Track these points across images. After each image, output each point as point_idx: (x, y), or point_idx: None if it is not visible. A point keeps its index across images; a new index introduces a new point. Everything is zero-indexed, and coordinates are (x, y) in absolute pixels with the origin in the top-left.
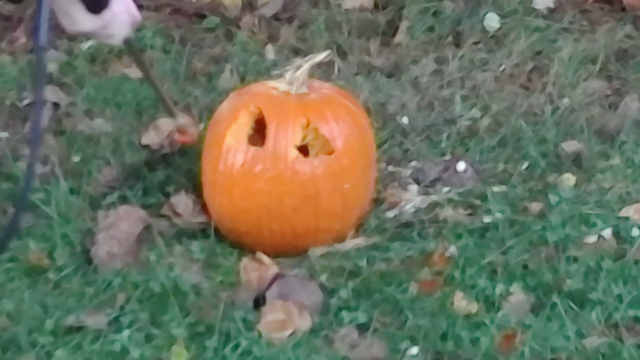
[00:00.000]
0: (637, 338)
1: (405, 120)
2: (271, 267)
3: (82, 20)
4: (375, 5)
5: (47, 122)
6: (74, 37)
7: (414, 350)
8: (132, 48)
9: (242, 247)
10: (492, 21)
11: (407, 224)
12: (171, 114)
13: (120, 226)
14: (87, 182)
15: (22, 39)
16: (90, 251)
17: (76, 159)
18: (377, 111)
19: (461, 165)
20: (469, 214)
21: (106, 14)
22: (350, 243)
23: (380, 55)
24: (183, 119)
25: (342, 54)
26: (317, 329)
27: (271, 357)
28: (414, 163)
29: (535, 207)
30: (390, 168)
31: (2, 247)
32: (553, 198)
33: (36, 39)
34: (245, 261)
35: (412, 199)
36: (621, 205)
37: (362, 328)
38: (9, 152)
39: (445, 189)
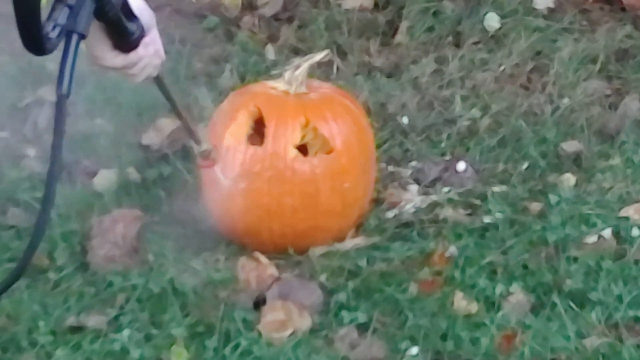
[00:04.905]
0: (637, 338)
1: (405, 120)
2: (268, 267)
3: (106, 57)
4: (375, 5)
5: (46, 122)
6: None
7: (414, 350)
8: (160, 82)
9: (242, 246)
10: (492, 21)
11: (407, 224)
12: (197, 142)
13: (115, 229)
14: (87, 182)
15: None
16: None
17: (76, 158)
18: (377, 111)
19: (461, 165)
20: (469, 214)
21: (132, 55)
22: (350, 243)
23: (380, 55)
24: (207, 146)
25: (342, 54)
26: (317, 329)
27: (271, 357)
28: (414, 163)
29: (535, 207)
30: (390, 168)
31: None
32: (553, 198)
33: (59, 86)
34: (243, 260)
35: (412, 199)
36: (621, 205)
37: (362, 328)
38: (8, 152)
39: (445, 189)
